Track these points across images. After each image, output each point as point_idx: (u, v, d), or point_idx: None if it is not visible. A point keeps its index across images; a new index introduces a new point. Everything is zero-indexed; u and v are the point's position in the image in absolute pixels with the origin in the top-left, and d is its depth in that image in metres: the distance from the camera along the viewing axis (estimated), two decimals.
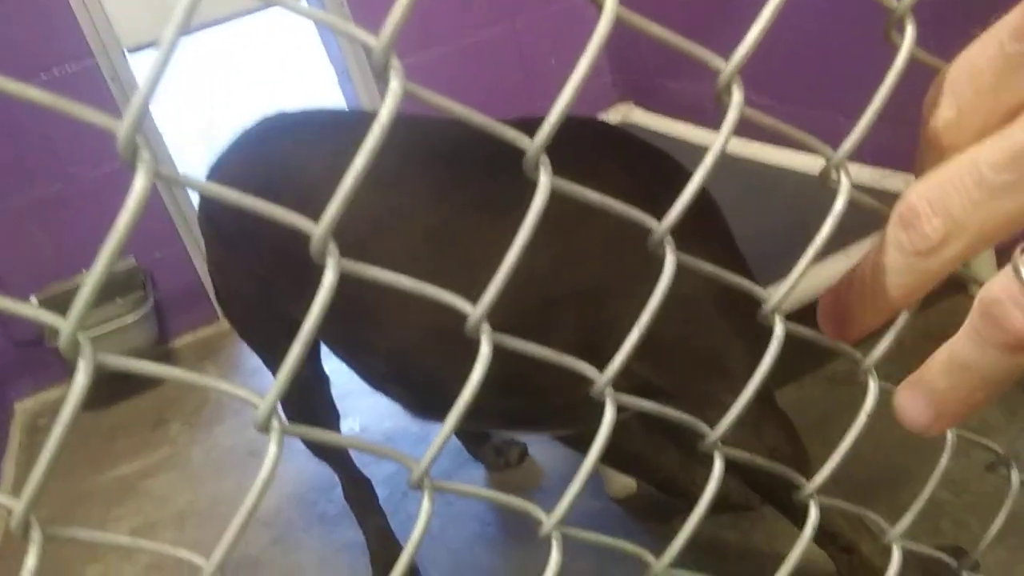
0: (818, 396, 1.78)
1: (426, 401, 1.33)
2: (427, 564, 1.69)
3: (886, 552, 1.15)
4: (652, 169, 1.21)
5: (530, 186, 0.37)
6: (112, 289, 2.76)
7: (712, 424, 0.49)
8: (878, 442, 1.54)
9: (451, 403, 0.40)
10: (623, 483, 1.67)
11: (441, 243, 1.19)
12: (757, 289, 0.46)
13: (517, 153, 0.37)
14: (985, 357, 0.34)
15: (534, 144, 0.38)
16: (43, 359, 2.70)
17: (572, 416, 1.27)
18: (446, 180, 1.23)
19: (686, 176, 0.43)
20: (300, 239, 0.35)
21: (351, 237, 0.98)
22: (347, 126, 1.43)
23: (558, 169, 0.37)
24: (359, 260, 0.35)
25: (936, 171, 0.35)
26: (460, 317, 0.39)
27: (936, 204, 0.34)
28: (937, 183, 0.34)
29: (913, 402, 0.37)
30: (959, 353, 0.35)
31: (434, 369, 1.22)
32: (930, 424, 0.36)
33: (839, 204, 0.41)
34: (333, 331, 1.31)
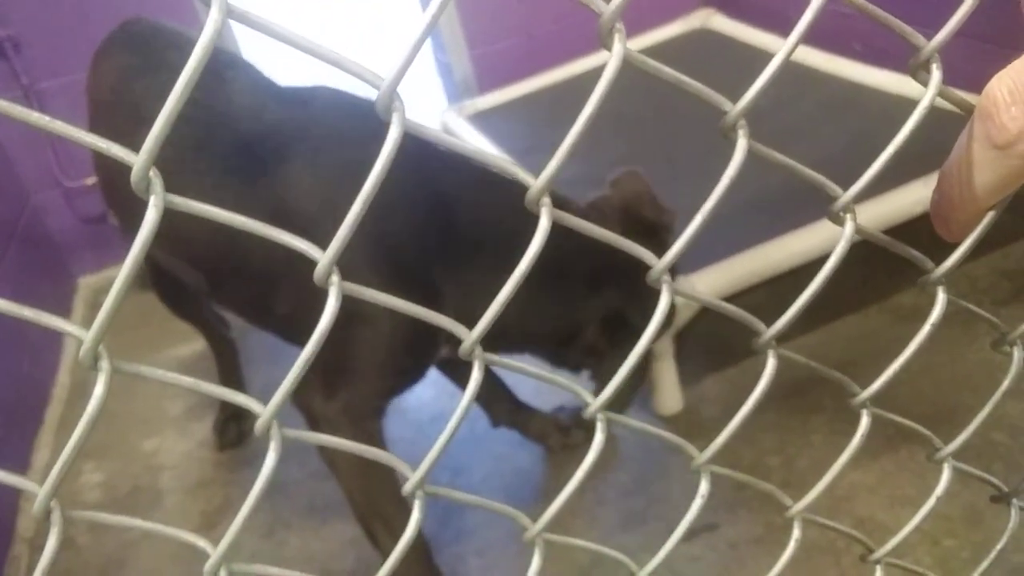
0: (880, 329, 1.74)
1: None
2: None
3: None
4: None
5: None
6: None
7: None
8: (937, 380, 1.51)
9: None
10: (670, 402, 1.68)
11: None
12: (829, 184, 0.45)
13: None
14: None
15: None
16: (107, 237, 2.72)
17: None
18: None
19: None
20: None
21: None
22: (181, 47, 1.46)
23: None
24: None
25: (1022, 57, 0.32)
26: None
27: (1017, 91, 0.31)
28: (1020, 70, 0.32)
29: None
30: None
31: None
32: None
33: (928, 96, 0.40)
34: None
